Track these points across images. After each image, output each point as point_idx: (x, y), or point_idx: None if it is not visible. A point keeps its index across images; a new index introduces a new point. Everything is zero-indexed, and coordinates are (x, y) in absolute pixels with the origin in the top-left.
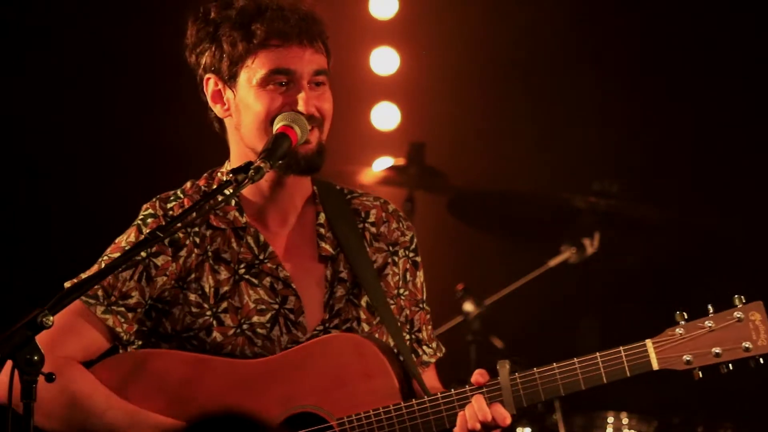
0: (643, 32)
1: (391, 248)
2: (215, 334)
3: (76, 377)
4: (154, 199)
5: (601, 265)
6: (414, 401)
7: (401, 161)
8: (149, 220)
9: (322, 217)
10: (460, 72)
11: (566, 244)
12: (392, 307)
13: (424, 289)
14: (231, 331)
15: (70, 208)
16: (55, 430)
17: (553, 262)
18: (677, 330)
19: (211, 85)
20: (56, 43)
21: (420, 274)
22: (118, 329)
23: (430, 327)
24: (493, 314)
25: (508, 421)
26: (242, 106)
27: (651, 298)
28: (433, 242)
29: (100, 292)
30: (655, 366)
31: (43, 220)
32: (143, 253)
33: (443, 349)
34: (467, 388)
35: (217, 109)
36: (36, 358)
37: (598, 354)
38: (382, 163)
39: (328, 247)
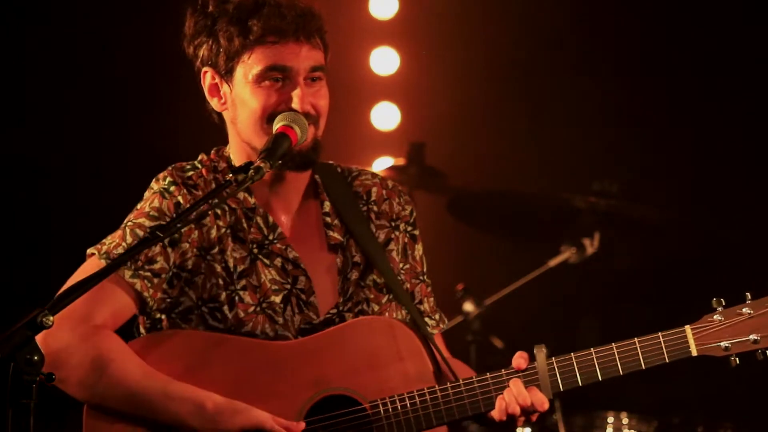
0: (643, 32)
1: (392, 223)
2: (237, 309)
3: (112, 345)
4: (170, 168)
5: (601, 265)
6: (449, 385)
7: (401, 161)
8: (172, 188)
9: (327, 206)
10: (460, 72)
11: (566, 244)
12: (401, 282)
13: (424, 262)
14: (252, 309)
15: (70, 208)
16: (89, 398)
17: (553, 262)
18: (715, 316)
19: (208, 78)
20: (56, 44)
21: (419, 247)
22: (145, 294)
23: (432, 299)
24: (493, 314)
25: (546, 405)
26: (238, 102)
27: (651, 298)
28: (433, 242)
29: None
30: (694, 352)
31: (44, 220)
32: (166, 218)
33: (446, 321)
34: (503, 371)
35: (214, 103)
36: (36, 358)
37: (636, 339)
38: (382, 163)
39: (336, 235)
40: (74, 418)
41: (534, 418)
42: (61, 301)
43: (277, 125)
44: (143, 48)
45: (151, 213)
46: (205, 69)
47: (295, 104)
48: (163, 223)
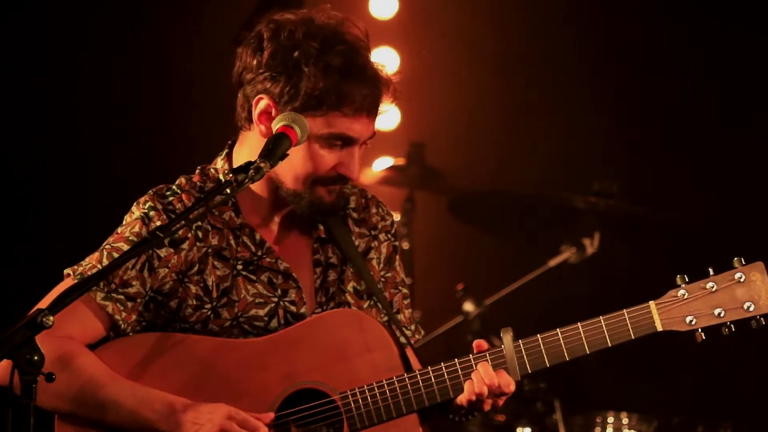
0: (643, 33)
1: (372, 232)
2: (211, 326)
3: (77, 353)
4: (150, 192)
5: (601, 265)
6: (417, 372)
7: (401, 161)
8: (152, 213)
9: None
10: (460, 72)
11: (566, 244)
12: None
13: (402, 271)
14: (227, 323)
15: (70, 209)
16: (60, 408)
17: (553, 262)
18: (680, 292)
19: (262, 105)
20: (56, 43)
21: (398, 257)
22: (117, 317)
23: (408, 311)
24: (493, 314)
25: (512, 387)
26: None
27: (651, 298)
28: (433, 242)
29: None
30: (659, 327)
31: (44, 221)
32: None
33: (422, 332)
34: (470, 357)
35: (260, 128)
36: (36, 358)
37: (601, 318)
38: (382, 163)
39: (320, 242)
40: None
41: (501, 401)
42: (62, 301)
43: (277, 125)
44: (144, 49)
45: (130, 238)
46: (264, 98)
47: (346, 171)
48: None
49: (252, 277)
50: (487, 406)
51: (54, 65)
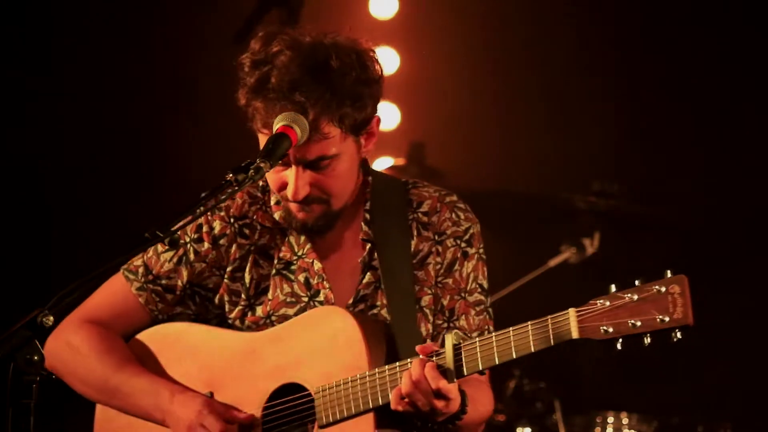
0: (643, 32)
1: (437, 237)
2: (247, 322)
3: (84, 334)
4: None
5: (601, 265)
6: (376, 371)
7: (401, 161)
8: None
9: (368, 205)
10: (460, 72)
11: (566, 244)
12: (428, 296)
13: (471, 280)
14: (261, 321)
15: (70, 209)
16: (86, 393)
17: (553, 262)
18: (600, 300)
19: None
20: (56, 44)
21: (469, 264)
22: (152, 307)
23: (474, 317)
24: (493, 314)
25: (442, 383)
26: None
27: None
28: None
29: (141, 269)
30: (575, 335)
31: (44, 221)
32: (186, 237)
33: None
34: (408, 361)
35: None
36: (36, 358)
37: (529, 323)
38: (382, 163)
39: (366, 242)
40: (74, 418)
41: (439, 404)
42: (61, 301)
43: (278, 125)
44: (146, 52)
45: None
46: None
47: (287, 191)
48: (182, 242)
49: (290, 276)
50: (425, 408)
51: (54, 65)
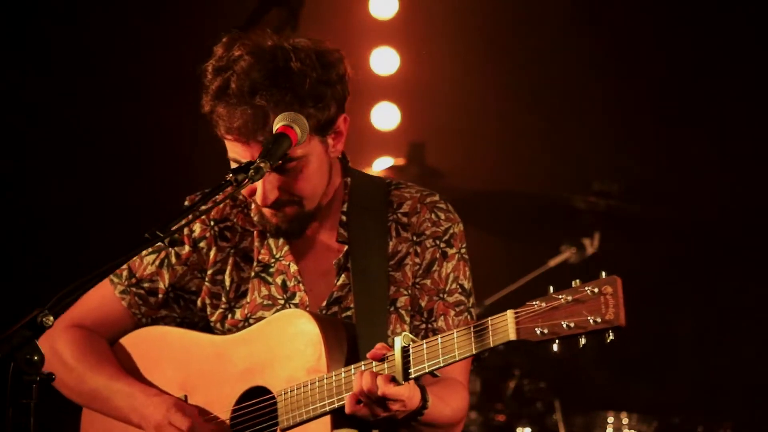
0: (644, 33)
1: (415, 238)
2: (227, 325)
3: (67, 338)
4: (198, 193)
5: (601, 265)
6: (333, 374)
7: (401, 161)
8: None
9: (345, 207)
10: (460, 72)
11: (566, 244)
12: (404, 297)
13: (451, 280)
14: (240, 324)
15: (70, 208)
16: (69, 396)
17: (553, 262)
18: (536, 302)
19: None
20: (55, 43)
21: (449, 265)
22: (135, 311)
23: (454, 318)
24: (493, 314)
25: (388, 389)
26: None
27: (651, 298)
28: None
29: (125, 272)
30: (512, 336)
31: (44, 220)
32: (167, 240)
33: None
34: (362, 363)
35: None
36: (36, 358)
37: (472, 325)
38: (382, 163)
39: (345, 233)
40: (73, 418)
41: (394, 406)
42: (61, 301)
43: (278, 125)
44: (146, 50)
45: None
46: None
47: (258, 197)
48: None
49: (269, 279)
50: (379, 413)
51: (54, 65)
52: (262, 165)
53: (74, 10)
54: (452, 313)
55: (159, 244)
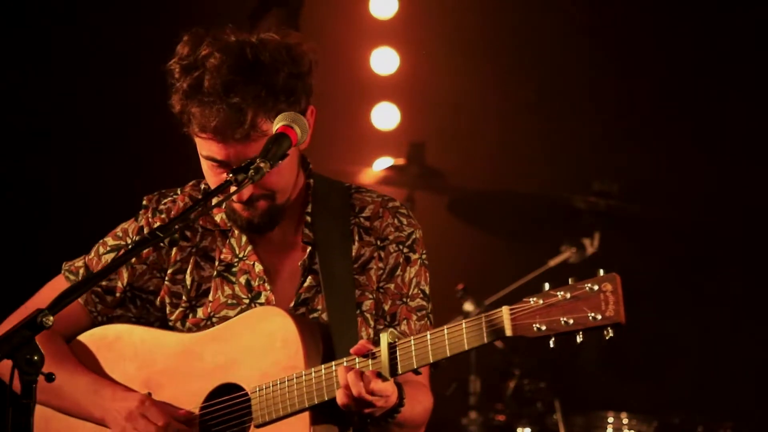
0: (644, 33)
1: (379, 242)
2: (188, 324)
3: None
4: (156, 193)
5: (600, 265)
6: (312, 370)
7: (401, 161)
8: (140, 212)
9: (309, 208)
10: (460, 72)
11: (566, 244)
12: (369, 301)
13: (414, 285)
14: (202, 323)
15: (70, 208)
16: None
17: (553, 262)
18: (533, 298)
19: None
20: (55, 41)
21: (411, 270)
22: (91, 308)
23: (415, 322)
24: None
25: (374, 384)
26: None
27: (651, 298)
28: (432, 242)
29: (81, 270)
30: (509, 332)
31: (43, 220)
32: (127, 239)
33: None
34: (345, 360)
35: None
36: (36, 358)
37: (464, 321)
38: (382, 163)
39: (310, 233)
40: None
41: (379, 402)
42: (61, 301)
43: (277, 125)
44: (145, 49)
45: (117, 233)
46: None
47: (234, 196)
48: (123, 243)
49: (231, 278)
50: (367, 410)
51: (54, 65)
52: (262, 165)
53: (74, 10)
54: (414, 317)
55: (119, 242)
